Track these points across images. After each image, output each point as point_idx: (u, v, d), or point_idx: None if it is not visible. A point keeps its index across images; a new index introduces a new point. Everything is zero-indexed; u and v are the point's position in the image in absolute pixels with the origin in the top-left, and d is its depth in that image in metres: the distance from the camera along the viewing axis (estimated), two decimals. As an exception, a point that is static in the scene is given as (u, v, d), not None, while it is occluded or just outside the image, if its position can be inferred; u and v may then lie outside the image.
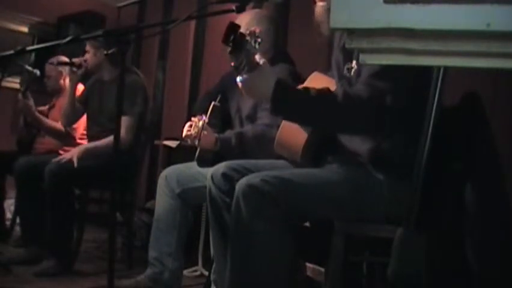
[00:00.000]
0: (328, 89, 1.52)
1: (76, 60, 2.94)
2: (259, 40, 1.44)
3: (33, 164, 2.84)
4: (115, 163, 1.90)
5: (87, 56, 2.96)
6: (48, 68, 3.44)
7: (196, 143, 2.12)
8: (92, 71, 3.03)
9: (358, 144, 1.57)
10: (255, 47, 1.44)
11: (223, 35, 1.44)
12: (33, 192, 2.83)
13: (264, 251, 1.43)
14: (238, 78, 1.47)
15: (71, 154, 2.69)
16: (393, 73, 1.44)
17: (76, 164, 2.64)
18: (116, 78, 2.89)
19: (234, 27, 1.44)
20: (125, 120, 2.74)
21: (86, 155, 2.72)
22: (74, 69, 2.92)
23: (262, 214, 1.42)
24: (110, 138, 2.80)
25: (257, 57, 1.46)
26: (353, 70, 1.59)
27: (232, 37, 1.42)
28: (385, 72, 1.45)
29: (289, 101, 1.48)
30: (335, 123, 1.53)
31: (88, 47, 2.96)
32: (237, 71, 1.46)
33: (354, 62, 1.58)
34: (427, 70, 1.13)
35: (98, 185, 2.98)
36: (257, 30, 1.46)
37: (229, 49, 1.45)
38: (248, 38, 1.43)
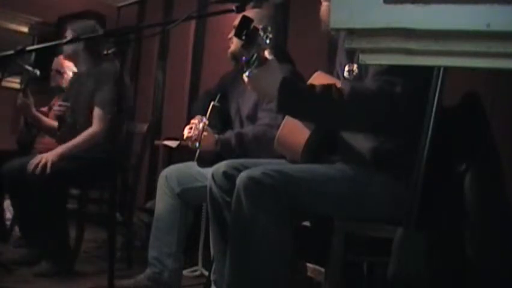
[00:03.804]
0: (334, 85, 1.50)
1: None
2: (270, 36, 1.45)
3: (21, 166, 2.76)
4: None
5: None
6: (55, 62, 3.46)
7: (197, 145, 2.12)
8: (68, 58, 3.05)
9: (360, 143, 1.57)
10: (266, 42, 1.44)
11: (236, 28, 1.45)
12: (27, 194, 2.78)
13: (264, 244, 1.43)
14: (247, 73, 1.46)
15: (46, 159, 2.62)
16: (401, 69, 1.40)
17: (48, 169, 2.57)
18: (90, 69, 2.91)
19: (247, 21, 1.44)
20: (95, 112, 2.79)
21: (62, 157, 2.66)
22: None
23: (262, 206, 1.42)
24: (83, 134, 2.79)
25: (266, 53, 1.47)
26: (353, 73, 1.58)
27: (245, 31, 1.43)
28: (393, 68, 1.43)
29: (295, 96, 1.47)
30: (341, 119, 1.50)
31: (67, 33, 2.89)
32: (247, 65, 1.46)
33: (355, 66, 1.58)
34: (427, 71, 1.13)
35: (87, 183, 2.88)
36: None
37: (234, 39, 1.44)
38: (261, 32, 1.43)
